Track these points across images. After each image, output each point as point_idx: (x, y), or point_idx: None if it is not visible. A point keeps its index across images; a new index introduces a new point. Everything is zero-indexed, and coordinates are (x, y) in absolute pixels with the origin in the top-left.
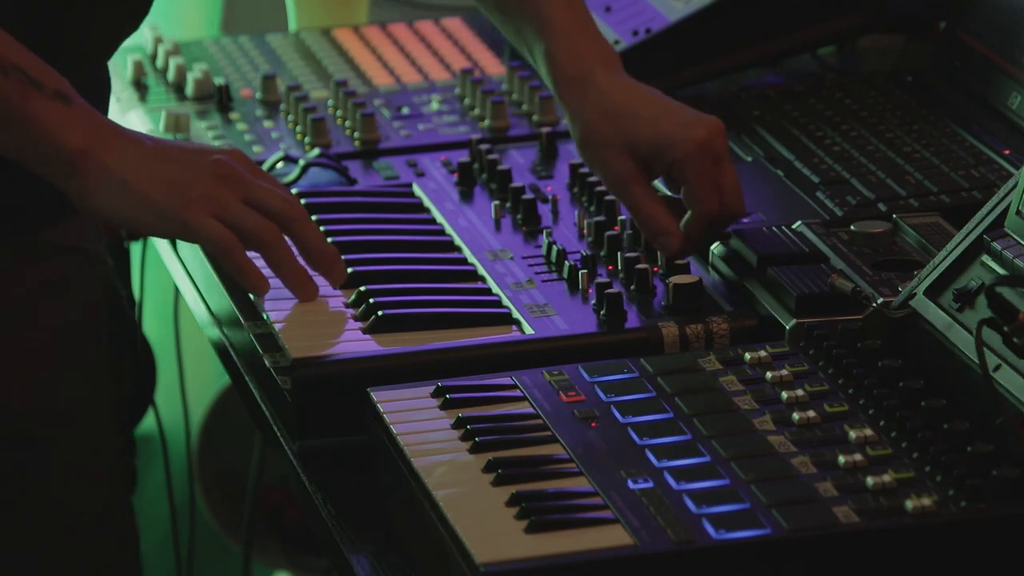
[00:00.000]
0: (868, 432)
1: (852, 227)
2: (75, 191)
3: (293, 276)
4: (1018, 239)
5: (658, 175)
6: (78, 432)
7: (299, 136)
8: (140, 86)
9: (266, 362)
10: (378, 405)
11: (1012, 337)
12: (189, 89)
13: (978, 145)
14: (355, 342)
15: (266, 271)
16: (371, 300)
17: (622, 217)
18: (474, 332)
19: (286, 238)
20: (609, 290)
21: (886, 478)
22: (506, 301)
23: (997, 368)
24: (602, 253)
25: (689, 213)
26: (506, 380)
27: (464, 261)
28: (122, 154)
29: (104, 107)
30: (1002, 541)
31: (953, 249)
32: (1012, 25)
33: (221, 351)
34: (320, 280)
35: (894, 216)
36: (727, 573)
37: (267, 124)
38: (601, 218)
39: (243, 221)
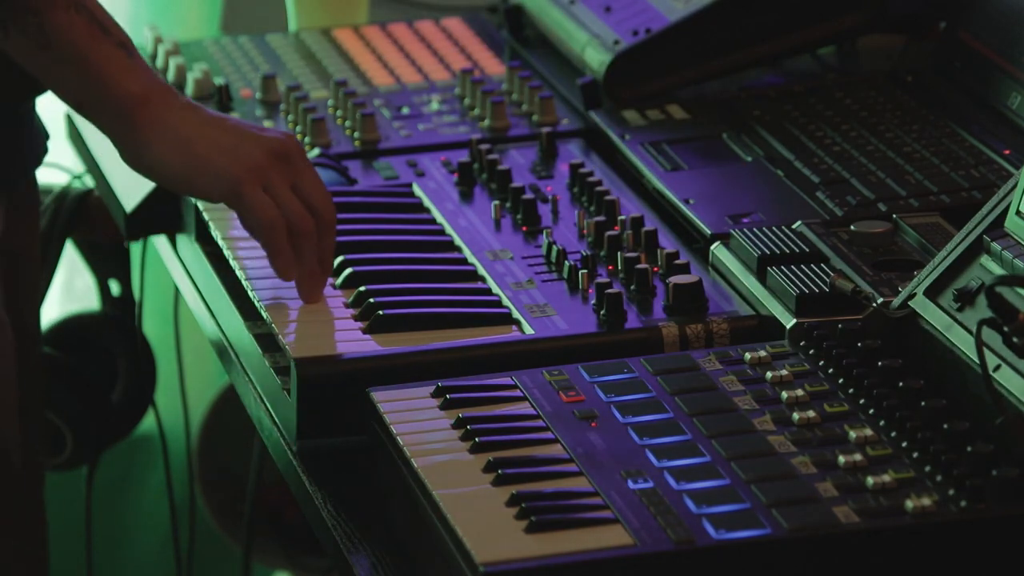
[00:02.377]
0: (868, 432)
1: (852, 227)
2: (130, 141)
3: (310, 275)
4: (1018, 239)
5: None
6: None
7: (299, 136)
8: None
9: (266, 362)
10: (378, 405)
11: (1012, 337)
12: (189, 89)
13: (978, 145)
14: (355, 342)
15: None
16: (371, 300)
17: (622, 217)
18: (474, 332)
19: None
20: (609, 290)
21: (886, 478)
22: (506, 301)
23: (997, 368)
24: (602, 253)
25: None
26: (506, 380)
27: (464, 261)
28: (182, 113)
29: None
30: (1002, 541)
31: (953, 249)
32: (1012, 25)
33: (221, 351)
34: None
35: (894, 216)
36: (727, 573)
37: (267, 124)
38: (601, 218)
39: (288, 206)
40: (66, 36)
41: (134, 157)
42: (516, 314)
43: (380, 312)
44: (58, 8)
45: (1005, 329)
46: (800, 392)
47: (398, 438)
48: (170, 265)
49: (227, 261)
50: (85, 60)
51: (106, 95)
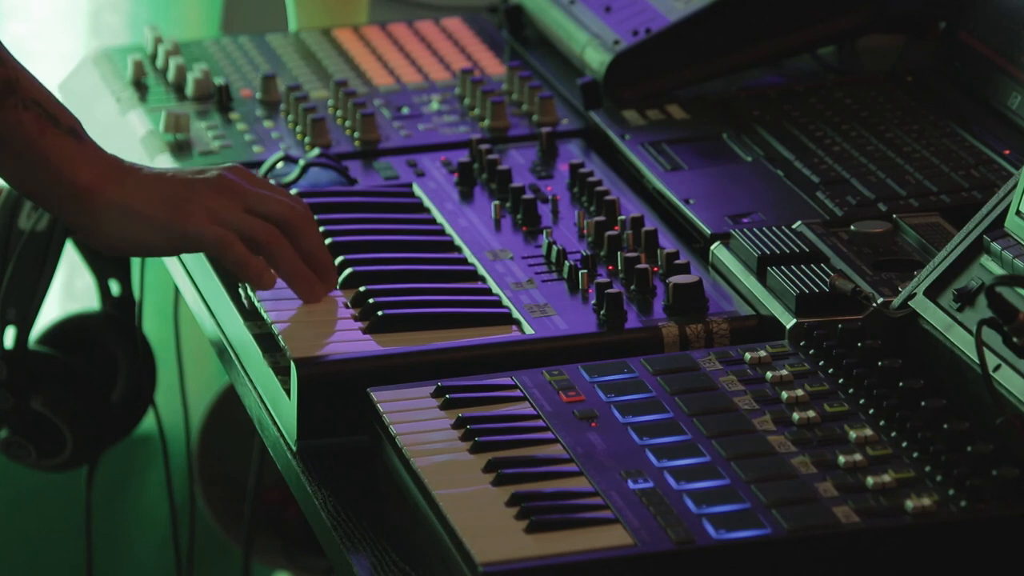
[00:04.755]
0: (868, 432)
1: (852, 227)
2: (84, 225)
3: (296, 277)
4: (1018, 239)
5: None
6: None
7: (299, 136)
8: (140, 86)
9: (266, 362)
10: (378, 405)
11: (1012, 337)
12: (189, 89)
13: (978, 145)
14: (355, 342)
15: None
16: (371, 300)
17: (622, 217)
18: (474, 332)
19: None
20: (609, 290)
21: (886, 478)
22: (506, 301)
23: (997, 368)
24: (602, 253)
25: None
26: (506, 380)
27: (464, 261)
28: (124, 184)
29: None
30: (1002, 541)
31: (953, 249)
32: (1012, 25)
33: (221, 351)
34: None
35: (894, 216)
36: (727, 573)
37: (267, 124)
38: (601, 218)
39: (241, 225)
40: (16, 133)
41: (88, 236)
42: (516, 314)
43: (380, 312)
44: (7, 108)
45: (1005, 329)
46: (800, 392)
47: (398, 438)
48: (170, 265)
49: None
50: (35, 153)
51: (58, 184)
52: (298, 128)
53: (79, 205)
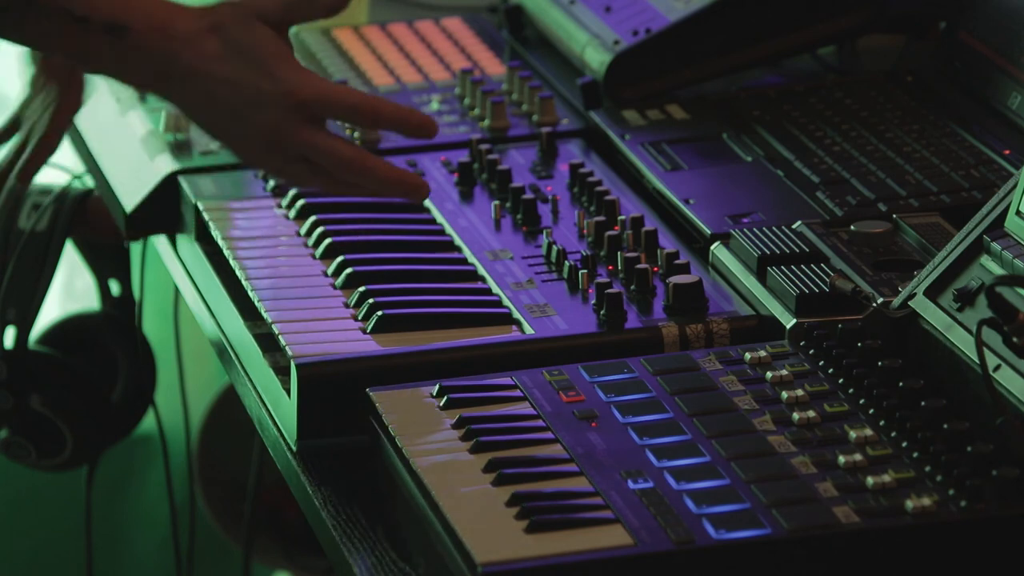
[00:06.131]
0: (868, 432)
1: (852, 227)
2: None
3: (399, 183)
4: (1018, 239)
5: None
6: None
7: None
8: None
9: (266, 362)
10: (378, 405)
11: (1012, 337)
12: None
13: (978, 145)
14: (355, 342)
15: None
16: (371, 300)
17: (622, 217)
18: (474, 332)
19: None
20: (609, 290)
21: (886, 478)
22: (506, 301)
23: (997, 368)
24: (602, 253)
25: None
26: (506, 380)
27: (464, 261)
28: (193, 89)
29: None
30: (1002, 541)
31: (953, 249)
32: (1012, 25)
33: (221, 351)
34: (316, 281)
35: (894, 216)
36: (727, 573)
37: None
38: (601, 218)
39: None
40: (46, 45)
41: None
42: (516, 314)
43: (381, 312)
44: (30, 22)
45: (1005, 329)
46: (800, 392)
47: (398, 438)
48: (170, 265)
49: (227, 261)
50: (83, 58)
51: (119, 80)
52: None
53: (146, 94)
